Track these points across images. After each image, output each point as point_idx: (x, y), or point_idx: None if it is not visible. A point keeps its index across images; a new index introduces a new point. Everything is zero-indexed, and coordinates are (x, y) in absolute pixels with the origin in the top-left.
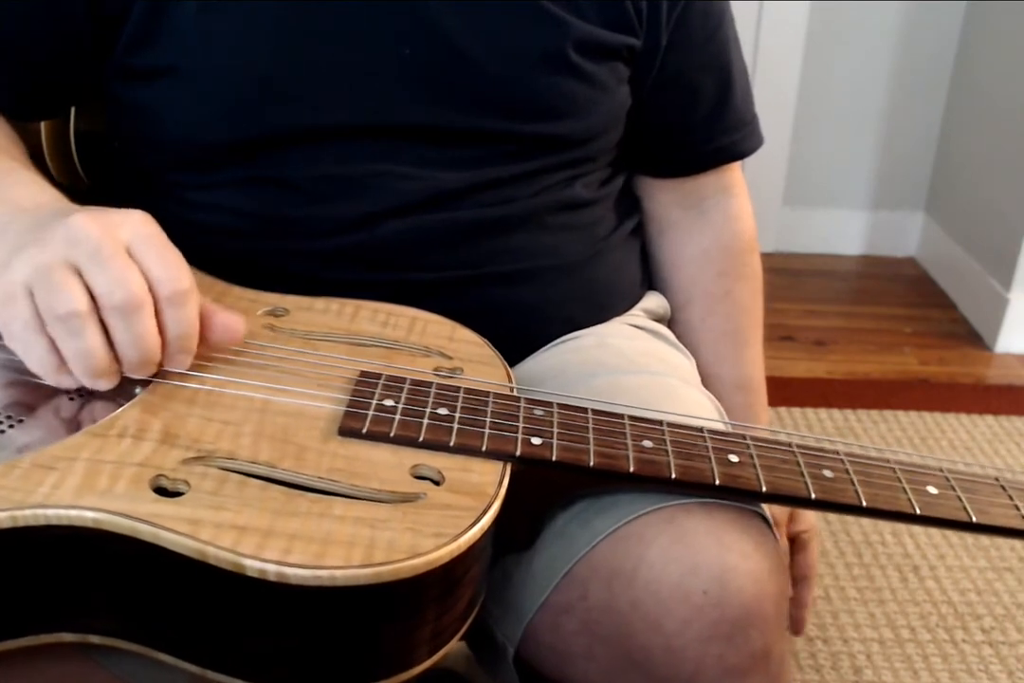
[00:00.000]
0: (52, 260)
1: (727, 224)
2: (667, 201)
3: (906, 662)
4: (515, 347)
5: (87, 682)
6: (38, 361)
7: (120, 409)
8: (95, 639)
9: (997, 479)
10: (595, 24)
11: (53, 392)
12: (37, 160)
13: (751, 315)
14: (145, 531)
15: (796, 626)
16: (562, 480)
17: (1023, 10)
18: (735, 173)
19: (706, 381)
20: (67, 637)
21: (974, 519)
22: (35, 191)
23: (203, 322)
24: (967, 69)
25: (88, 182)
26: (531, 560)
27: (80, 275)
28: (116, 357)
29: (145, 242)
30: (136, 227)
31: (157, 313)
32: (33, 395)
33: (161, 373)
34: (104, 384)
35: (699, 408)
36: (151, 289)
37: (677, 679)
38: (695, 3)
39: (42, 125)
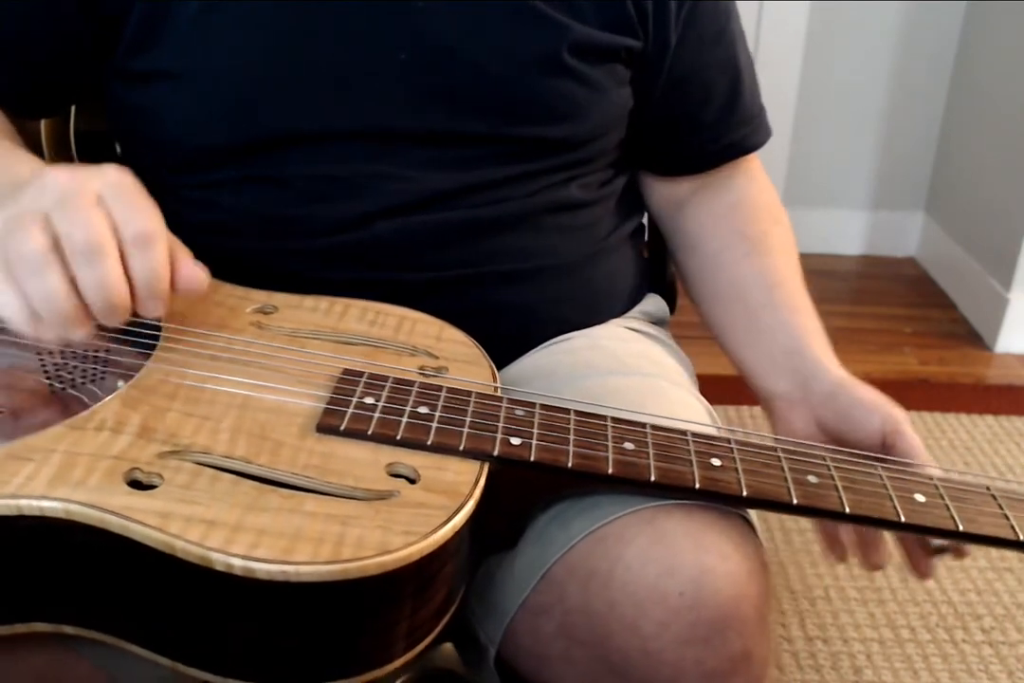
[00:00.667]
0: (20, 210)
1: (749, 184)
2: (682, 184)
3: (906, 662)
4: (510, 347)
5: (68, 672)
6: (9, 309)
7: (100, 402)
8: (69, 629)
9: (988, 488)
10: (593, 26)
11: (36, 384)
12: None
13: (791, 255)
14: (114, 523)
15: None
16: (544, 481)
17: (1023, 10)
18: (748, 157)
19: (754, 316)
20: (41, 627)
21: (961, 528)
22: (35, 166)
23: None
24: (967, 69)
25: None
26: (512, 561)
27: (47, 222)
28: (85, 303)
29: (114, 189)
30: (108, 176)
31: (124, 257)
32: (15, 386)
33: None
34: (77, 333)
35: (688, 410)
36: (117, 233)
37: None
38: (702, 1)
39: (42, 125)
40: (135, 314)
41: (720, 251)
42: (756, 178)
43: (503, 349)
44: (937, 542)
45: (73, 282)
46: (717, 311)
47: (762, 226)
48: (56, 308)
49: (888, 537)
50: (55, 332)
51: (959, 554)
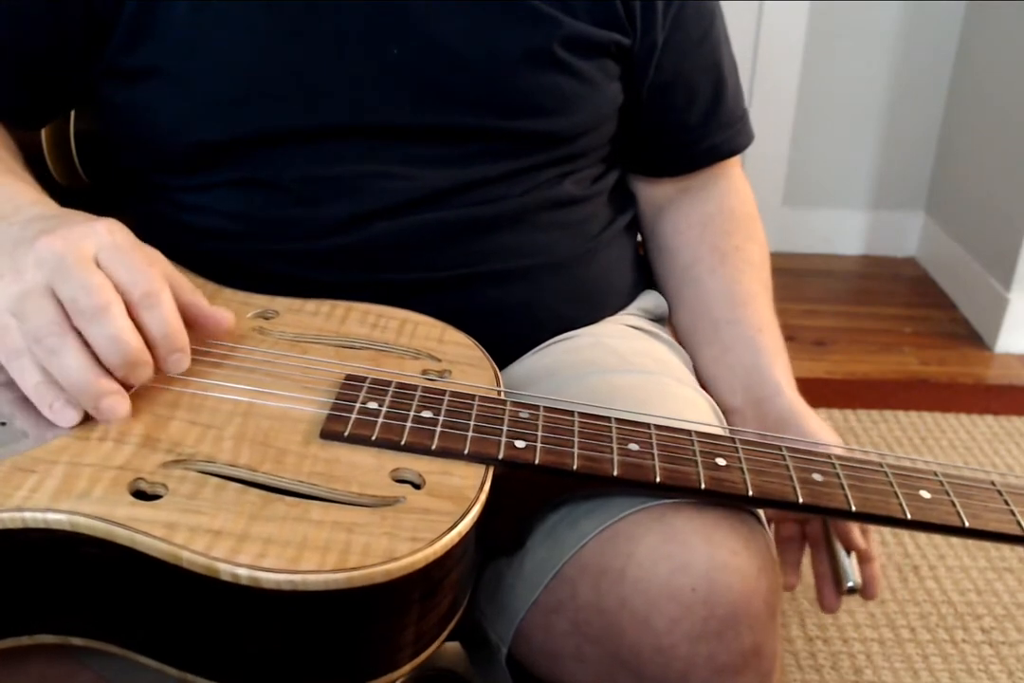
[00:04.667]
0: (26, 287)
1: (729, 193)
2: (664, 186)
3: (906, 662)
4: (508, 347)
5: (70, 681)
6: (34, 390)
7: None
8: (77, 641)
9: (993, 483)
10: (584, 21)
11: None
12: (37, 160)
13: (762, 271)
14: (121, 535)
15: (869, 588)
16: (551, 483)
17: (1023, 10)
18: (731, 161)
19: (718, 331)
20: (47, 639)
21: (967, 524)
22: (13, 192)
23: (192, 318)
24: (967, 69)
25: (88, 182)
26: (521, 561)
27: (52, 293)
28: (106, 369)
29: (110, 250)
30: (101, 237)
31: (135, 318)
32: (17, 396)
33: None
34: (109, 406)
35: (693, 407)
36: (123, 295)
37: (667, 678)
38: (688, 3)
39: None
40: (158, 369)
41: (691, 263)
42: (737, 188)
43: (503, 349)
44: (850, 584)
45: (89, 348)
46: (684, 321)
47: (735, 241)
48: (76, 381)
49: (807, 568)
50: (76, 406)
51: (867, 596)
